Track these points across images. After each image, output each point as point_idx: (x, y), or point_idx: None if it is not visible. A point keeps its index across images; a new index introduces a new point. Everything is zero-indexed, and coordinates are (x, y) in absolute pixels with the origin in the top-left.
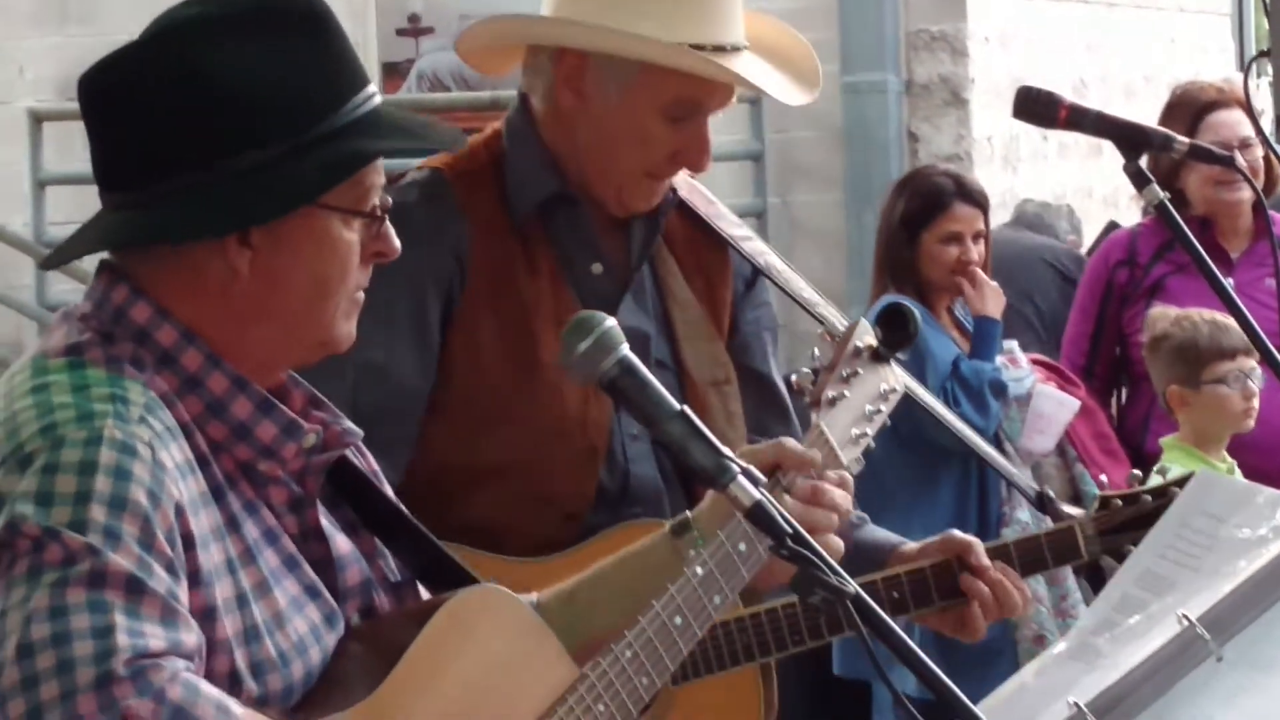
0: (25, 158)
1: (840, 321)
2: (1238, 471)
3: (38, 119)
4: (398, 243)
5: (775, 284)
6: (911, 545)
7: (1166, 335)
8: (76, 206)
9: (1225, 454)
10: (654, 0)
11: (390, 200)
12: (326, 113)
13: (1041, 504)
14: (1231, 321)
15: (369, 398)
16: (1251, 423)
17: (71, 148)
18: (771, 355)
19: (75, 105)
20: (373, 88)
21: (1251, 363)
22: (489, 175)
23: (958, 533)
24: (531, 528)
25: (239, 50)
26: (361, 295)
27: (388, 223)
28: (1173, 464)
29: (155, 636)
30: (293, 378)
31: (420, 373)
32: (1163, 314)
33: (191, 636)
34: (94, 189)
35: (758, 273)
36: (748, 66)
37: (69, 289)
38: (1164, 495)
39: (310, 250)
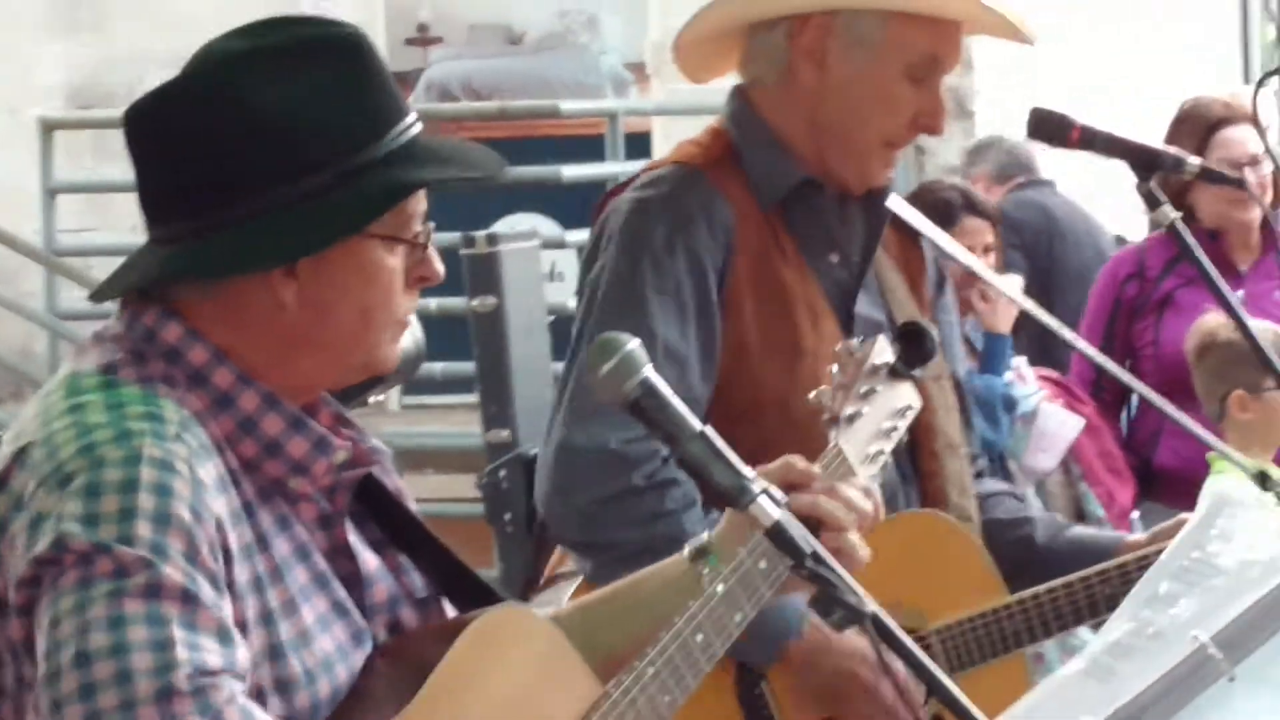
0: (36, 166)
1: None
2: None
3: (48, 127)
4: (441, 267)
5: (986, 282)
6: (1137, 535)
7: (1220, 343)
8: (87, 215)
9: (1272, 465)
10: None
11: (428, 230)
12: (368, 142)
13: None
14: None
15: (670, 381)
16: None
17: (81, 156)
18: (961, 360)
19: (86, 114)
20: (413, 117)
21: None
22: (730, 166)
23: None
24: None
25: (282, 83)
26: (409, 319)
27: (431, 248)
28: (1221, 474)
29: (212, 652)
30: (323, 395)
31: (710, 365)
32: (1219, 322)
33: (244, 653)
34: (104, 197)
35: (943, 276)
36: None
37: (79, 296)
38: None
39: (355, 279)
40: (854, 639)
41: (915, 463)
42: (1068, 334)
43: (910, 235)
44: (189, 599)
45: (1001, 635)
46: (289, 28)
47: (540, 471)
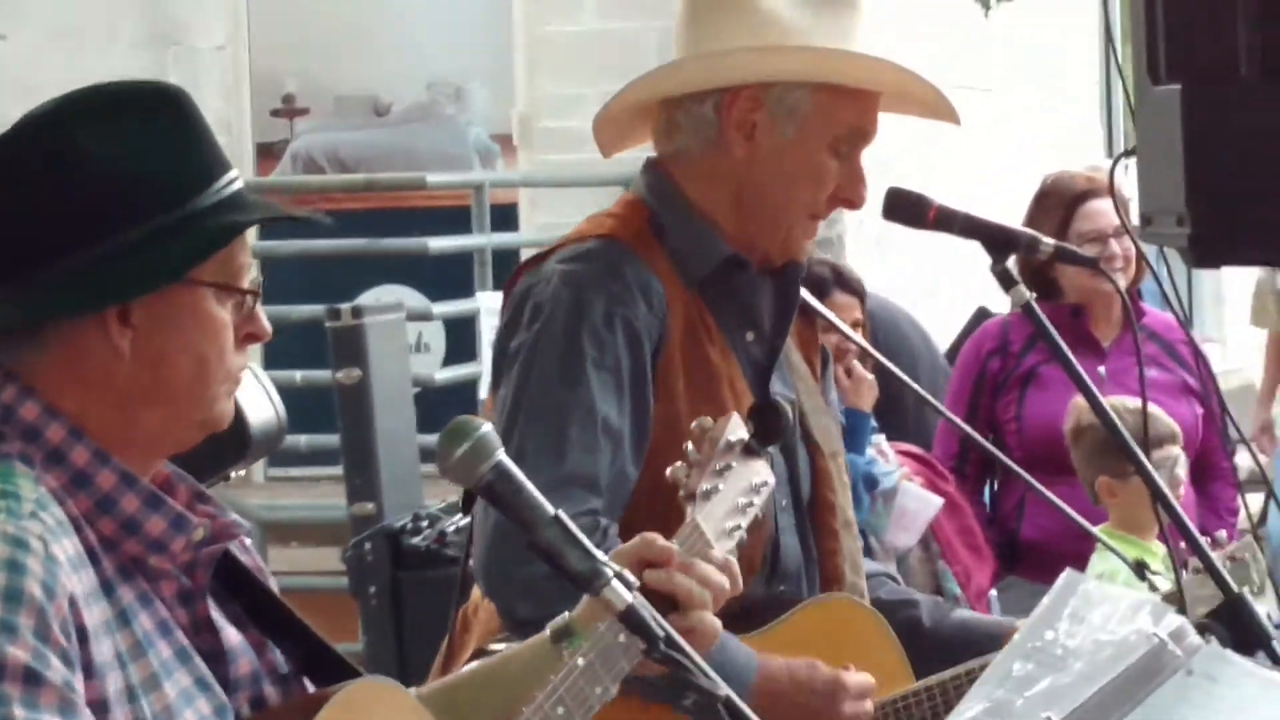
0: None
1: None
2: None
3: None
4: (268, 326)
5: (882, 362)
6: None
7: (1093, 426)
8: None
9: (1157, 542)
10: (803, 27)
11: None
12: (194, 193)
13: (1140, 573)
14: (1156, 410)
15: (607, 458)
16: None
17: None
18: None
19: None
20: (236, 172)
21: (1176, 450)
22: (652, 240)
23: None
24: None
25: (105, 135)
26: (242, 375)
27: (258, 305)
28: (1107, 552)
29: None
30: (178, 473)
31: (642, 444)
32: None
33: None
34: None
35: (827, 355)
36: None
37: None
38: (1232, 559)
39: (190, 328)
40: (806, 673)
41: (818, 541)
42: (948, 413)
43: (805, 313)
44: (32, 677)
45: None
46: (108, 87)
47: (480, 550)
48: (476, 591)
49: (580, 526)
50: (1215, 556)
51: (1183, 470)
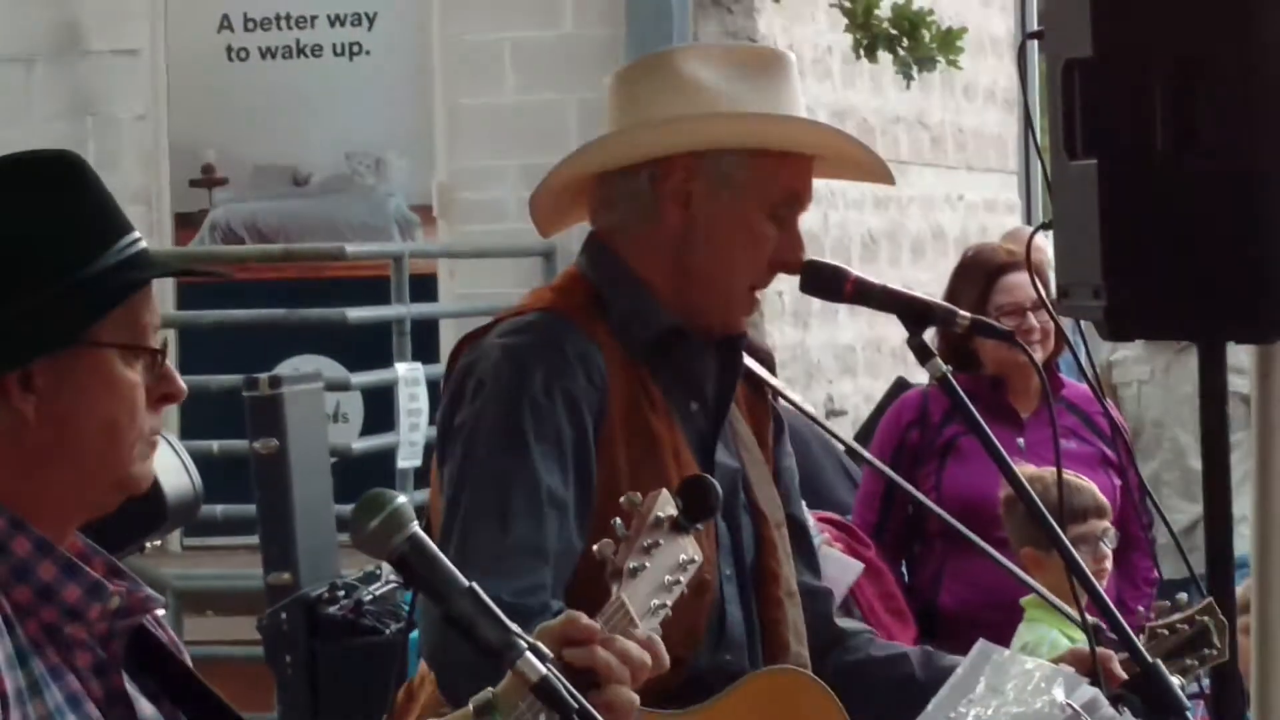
0: None
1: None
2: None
3: None
4: (183, 384)
5: (828, 431)
6: None
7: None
8: None
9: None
10: (734, 94)
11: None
12: (93, 256)
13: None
14: (1084, 482)
15: (553, 528)
16: (1103, 583)
17: None
18: (801, 501)
19: None
20: (137, 234)
21: (1104, 524)
22: (594, 313)
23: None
24: None
25: (2, 203)
26: (157, 438)
27: (170, 364)
28: (1034, 622)
29: None
30: (92, 546)
31: (585, 513)
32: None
33: None
34: None
35: (781, 423)
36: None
37: None
38: (1192, 622)
39: (95, 391)
40: None
41: (762, 610)
42: (900, 481)
43: (755, 383)
44: None
45: None
46: (7, 157)
47: (426, 625)
48: (424, 663)
49: (534, 604)
50: (1173, 618)
51: (1110, 543)
